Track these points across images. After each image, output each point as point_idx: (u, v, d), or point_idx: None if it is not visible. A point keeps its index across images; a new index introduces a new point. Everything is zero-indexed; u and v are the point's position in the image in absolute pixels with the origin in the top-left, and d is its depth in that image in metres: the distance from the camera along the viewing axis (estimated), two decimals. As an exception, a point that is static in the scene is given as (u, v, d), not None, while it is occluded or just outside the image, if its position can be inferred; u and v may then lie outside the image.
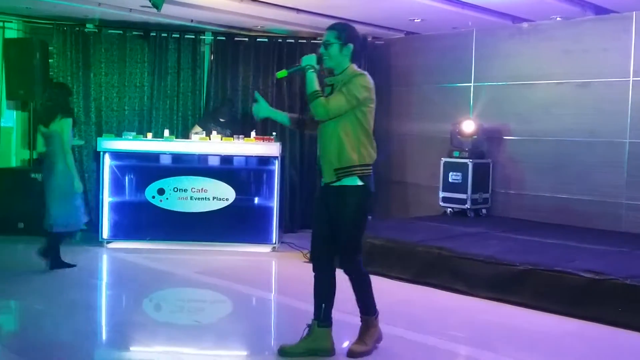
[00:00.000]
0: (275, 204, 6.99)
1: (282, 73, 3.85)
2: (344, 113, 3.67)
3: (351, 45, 3.75)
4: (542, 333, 4.51)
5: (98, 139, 7.17)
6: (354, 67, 3.79)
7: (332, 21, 7.46)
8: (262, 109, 3.96)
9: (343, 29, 3.78)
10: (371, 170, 3.77)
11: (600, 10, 6.90)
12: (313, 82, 3.69)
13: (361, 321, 3.99)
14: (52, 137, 5.73)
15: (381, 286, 5.63)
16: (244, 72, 8.30)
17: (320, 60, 3.76)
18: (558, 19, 7.23)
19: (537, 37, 7.51)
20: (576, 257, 5.34)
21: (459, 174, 7.64)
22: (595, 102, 7.07)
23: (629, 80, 6.80)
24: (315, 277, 3.91)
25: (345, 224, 3.74)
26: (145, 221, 6.99)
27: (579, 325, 4.63)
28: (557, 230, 6.76)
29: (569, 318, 4.74)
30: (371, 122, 3.78)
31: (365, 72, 3.76)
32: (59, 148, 5.69)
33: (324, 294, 3.88)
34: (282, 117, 4.04)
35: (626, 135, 6.84)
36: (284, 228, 7.96)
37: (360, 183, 3.71)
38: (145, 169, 7.06)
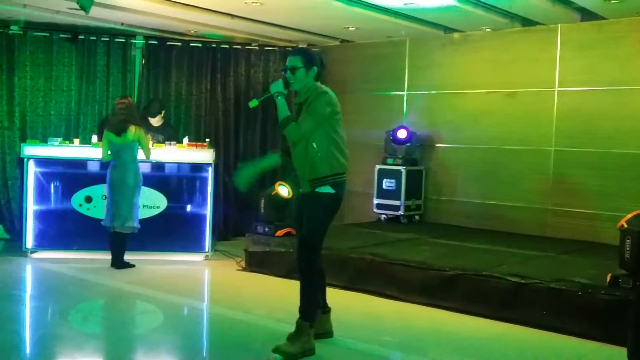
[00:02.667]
0: (208, 211, 6.89)
1: (253, 103, 4.13)
2: (314, 131, 3.96)
3: (315, 68, 4.05)
4: (471, 336, 4.60)
5: (22, 144, 6.89)
6: (318, 84, 4.09)
7: (267, 28, 7.57)
8: (243, 177, 4.22)
9: (306, 54, 4.10)
10: (343, 177, 4.05)
11: (527, 22, 7.14)
12: (284, 109, 3.99)
13: (296, 324, 3.99)
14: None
15: (314, 293, 5.67)
16: (177, 77, 8.17)
17: (287, 85, 4.05)
18: (487, 30, 7.44)
19: (467, 47, 7.71)
20: (503, 261, 5.48)
21: (392, 180, 7.74)
22: (522, 112, 7.30)
23: (555, 90, 7.05)
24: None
25: (308, 223, 4.01)
26: (71, 230, 6.76)
27: (505, 328, 4.75)
28: (487, 236, 6.93)
29: (497, 321, 4.85)
30: (340, 131, 4.06)
31: (328, 90, 4.07)
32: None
33: (305, 290, 4.04)
34: (269, 162, 4.39)
35: (552, 143, 7.08)
36: (217, 236, 7.86)
37: (332, 191, 3.99)
38: (72, 176, 6.82)
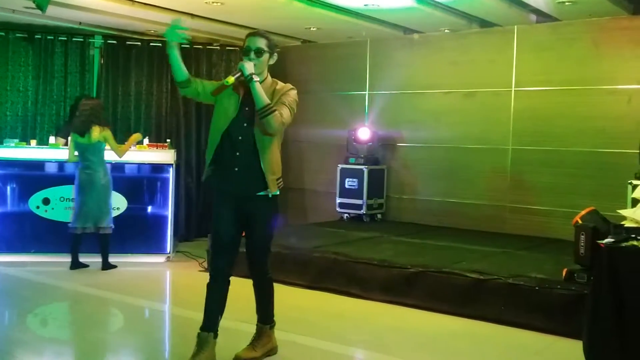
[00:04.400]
0: (169, 212, 6.83)
1: (229, 80, 3.55)
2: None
3: (276, 56, 3.78)
4: (432, 333, 4.66)
5: (-23, 146, 6.72)
6: (270, 77, 3.79)
7: (228, 28, 7.55)
8: (173, 33, 3.60)
9: (270, 39, 3.76)
10: None
11: (485, 24, 7.27)
12: (263, 95, 3.57)
13: (256, 329, 3.95)
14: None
15: (277, 293, 5.62)
16: (137, 76, 8.07)
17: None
18: (446, 30, 7.55)
19: (427, 48, 7.81)
20: (463, 258, 5.58)
21: (355, 180, 7.79)
22: (481, 111, 7.43)
23: (511, 90, 7.20)
24: (215, 290, 3.75)
25: (268, 228, 3.78)
26: (29, 233, 6.62)
27: (466, 324, 4.83)
28: (447, 233, 7.04)
29: (458, 317, 4.93)
30: None
31: None
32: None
33: (267, 294, 3.94)
34: (179, 66, 3.67)
35: (509, 142, 7.23)
36: (179, 237, 7.79)
37: (278, 192, 3.77)
38: (29, 177, 6.69)
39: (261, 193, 3.67)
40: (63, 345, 4.42)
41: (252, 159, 3.62)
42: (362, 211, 7.76)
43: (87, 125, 6.13)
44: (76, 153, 6.25)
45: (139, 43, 8.07)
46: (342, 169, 7.92)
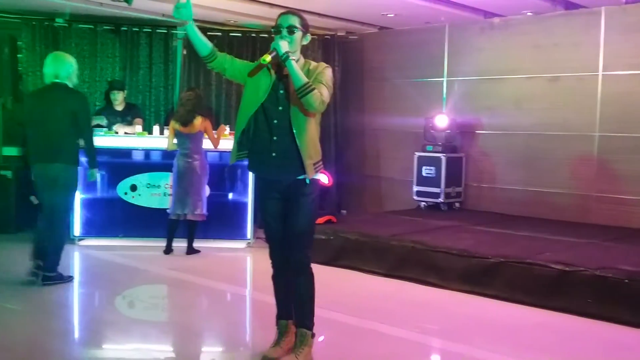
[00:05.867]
0: (249, 199, 6.97)
1: (267, 59, 3.36)
2: None
3: (309, 37, 3.58)
4: (513, 324, 4.57)
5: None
6: (302, 58, 3.59)
7: (306, 16, 7.52)
8: (179, 12, 3.42)
9: (303, 17, 3.57)
10: None
11: (569, 5, 6.99)
12: (301, 73, 3.38)
13: (297, 335, 3.62)
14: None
15: (355, 280, 5.73)
16: (217, 67, 8.24)
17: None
18: (529, 13, 7.31)
19: (508, 32, 7.59)
20: (547, 249, 5.42)
21: (432, 168, 7.70)
22: (565, 96, 7.17)
23: (598, 74, 6.91)
24: (280, 280, 3.66)
25: (307, 217, 3.53)
26: (117, 218, 6.92)
27: (549, 316, 4.70)
28: (529, 223, 6.86)
29: (540, 309, 4.81)
30: None
31: None
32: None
33: (305, 292, 3.58)
34: (199, 40, 3.49)
35: (595, 128, 6.95)
36: (259, 223, 7.93)
37: (317, 176, 3.56)
38: (117, 165, 6.98)
39: (300, 177, 3.48)
40: (149, 327, 4.60)
41: (289, 143, 3.44)
42: (439, 200, 7.67)
43: (192, 115, 6.33)
44: (175, 141, 6.46)
45: (219, 33, 8.24)
46: (420, 157, 7.84)
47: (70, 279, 5.44)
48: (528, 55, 7.43)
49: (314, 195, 3.54)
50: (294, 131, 3.43)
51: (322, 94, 3.39)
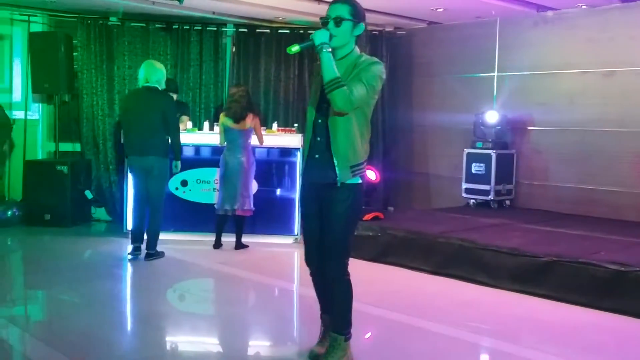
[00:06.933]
0: (297, 195, 7.00)
1: (294, 48, 3.24)
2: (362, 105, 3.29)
3: (363, 25, 3.32)
4: (565, 325, 4.47)
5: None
6: (358, 51, 3.38)
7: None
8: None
9: (356, 4, 3.31)
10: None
11: (627, -2, 6.78)
12: (332, 67, 3.18)
13: (329, 339, 3.52)
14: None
15: (402, 278, 5.70)
16: (266, 63, 8.31)
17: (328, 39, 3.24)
18: (583, 7, 7.12)
19: (561, 25, 7.41)
20: (601, 248, 5.27)
21: (482, 165, 7.58)
22: (621, 92, 6.96)
23: (657, 68, 6.68)
24: (318, 280, 3.58)
25: (340, 223, 3.35)
26: (168, 212, 7.01)
27: (604, 317, 4.58)
28: (582, 222, 6.69)
29: (594, 310, 4.69)
30: (370, 115, 3.41)
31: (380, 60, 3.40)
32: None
33: (339, 299, 3.47)
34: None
35: (653, 124, 6.73)
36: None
37: (359, 181, 3.38)
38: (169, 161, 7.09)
39: (346, 181, 3.31)
40: (199, 319, 4.68)
41: (326, 144, 3.30)
42: (489, 197, 7.55)
43: (244, 112, 6.41)
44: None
45: (268, 30, 8.30)
46: (469, 154, 7.73)
47: (163, 254, 6.16)
48: (582, 50, 7.23)
49: (349, 202, 3.33)
50: (329, 130, 3.30)
51: (351, 92, 3.18)
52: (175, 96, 7.29)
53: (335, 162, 3.29)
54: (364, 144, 3.38)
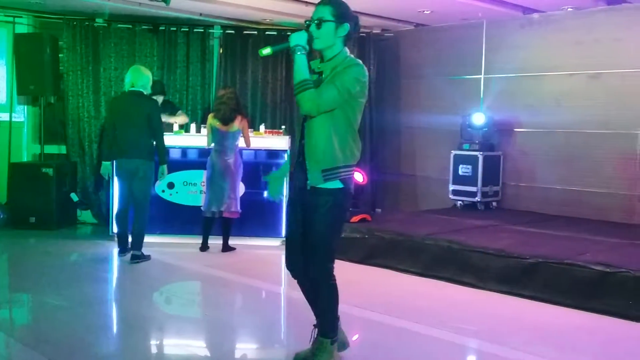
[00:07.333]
0: (284, 197, 6.98)
1: (265, 51, 3.31)
2: (334, 108, 3.23)
3: (347, 25, 3.27)
4: (551, 326, 4.48)
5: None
6: (347, 52, 3.33)
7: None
8: (275, 188, 3.78)
9: (339, 5, 3.28)
10: (352, 172, 3.37)
11: (612, 1, 6.82)
12: (302, 69, 3.17)
13: (316, 341, 3.49)
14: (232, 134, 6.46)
15: (389, 279, 5.70)
16: (253, 65, 8.29)
17: (309, 41, 3.25)
18: (569, 9, 7.16)
19: (548, 28, 7.45)
20: (587, 249, 5.30)
21: (469, 166, 7.60)
22: (607, 94, 7.00)
23: (642, 71, 6.73)
24: (303, 283, 3.52)
25: (319, 228, 3.30)
26: (155, 215, 6.98)
27: (589, 318, 4.61)
28: (568, 223, 6.72)
29: (579, 311, 4.71)
30: (359, 119, 3.35)
31: (361, 62, 3.32)
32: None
33: (324, 304, 3.44)
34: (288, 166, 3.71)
35: (638, 126, 6.76)
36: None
37: (340, 185, 3.29)
38: (155, 163, 7.03)
39: (316, 185, 3.28)
40: (185, 322, 4.67)
41: (310, 145, 3.30)
42: (476, 198, 7.57)
43: (233, 114, 6.40)
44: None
45: (255, 32, 8.28)
46: (456, 155, 7.75)
47: (149, 257, 6.12)
48: (568, 52, 7.27)
49: (328, 207, 3.27)
50: (310, 133, 3.29)
51: (320, 95, 3.16)
52: (162, 97, 7.26)
53: (307, 166, 3.29)
54: (346, 148, 3.30)
